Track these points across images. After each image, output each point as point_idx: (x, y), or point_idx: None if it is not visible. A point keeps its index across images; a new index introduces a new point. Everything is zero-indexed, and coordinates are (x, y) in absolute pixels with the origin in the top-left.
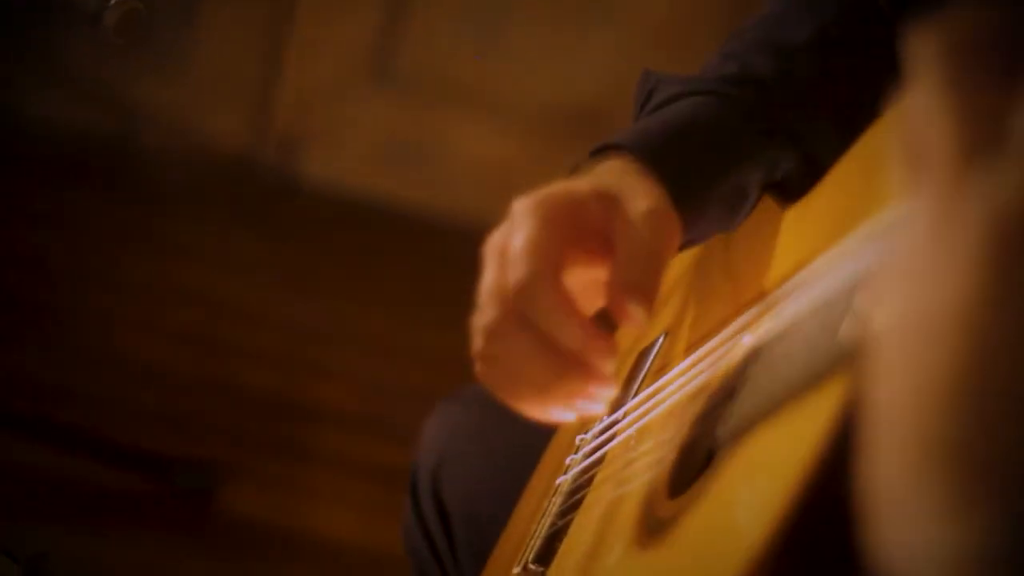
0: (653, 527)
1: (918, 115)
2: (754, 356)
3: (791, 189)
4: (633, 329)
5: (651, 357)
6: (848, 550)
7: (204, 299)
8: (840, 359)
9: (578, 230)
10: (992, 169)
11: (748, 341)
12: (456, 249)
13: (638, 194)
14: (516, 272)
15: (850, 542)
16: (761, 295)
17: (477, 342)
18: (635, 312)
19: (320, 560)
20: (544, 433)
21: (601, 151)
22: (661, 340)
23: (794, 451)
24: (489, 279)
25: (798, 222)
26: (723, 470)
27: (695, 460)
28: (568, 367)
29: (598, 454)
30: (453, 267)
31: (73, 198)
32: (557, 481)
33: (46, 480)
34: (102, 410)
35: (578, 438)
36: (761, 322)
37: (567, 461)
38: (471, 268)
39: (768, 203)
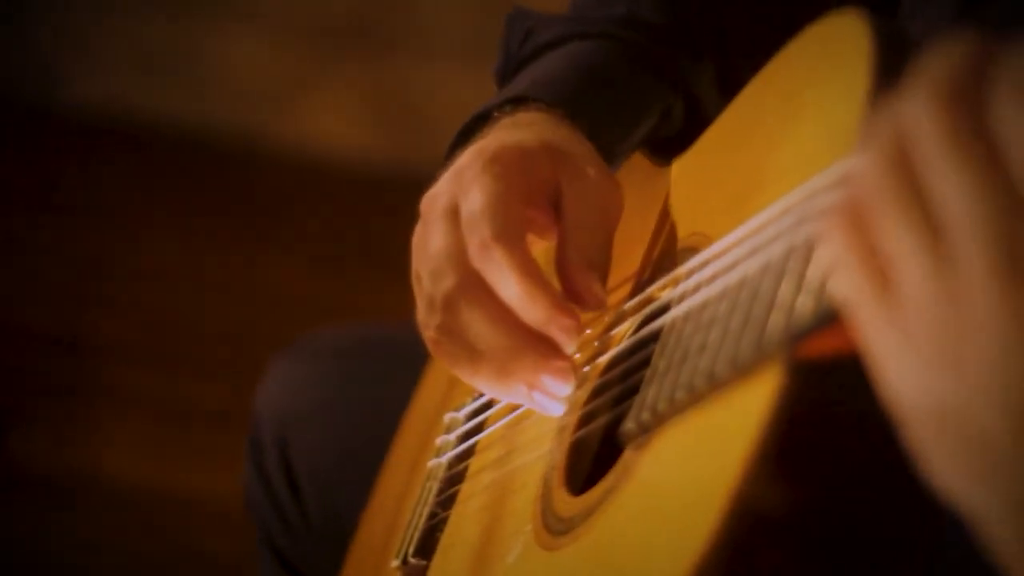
0: (557, 526)
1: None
2: (654, 340)
3: (671, 139)
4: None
5: None
6: (787, 552)
7: None
8: (770, 353)
9: (531, 188)
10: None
11: (644, 318)
12: (227, 166)
13: (585, 157)
14: (477, 235)
15: (787, 544)
16: (650, 266)
17: (431, 314)
18: (597, 293)
19: (118, 506)
20: (401, 392)
21: (513, 102)
22: None
23: (727, 446)
24: (440, 243)
25: (684, 184)
26: (640, 465)
27: (590, 453)
28: (528, 343)
29: (472, 440)
30: (225, 184)
31: None
32: (430, 464)
33: None
34: None
35: (447, 416)
36: (657, 300)
37: (438, 442)
38: (240, 184)
39: (638, 158)
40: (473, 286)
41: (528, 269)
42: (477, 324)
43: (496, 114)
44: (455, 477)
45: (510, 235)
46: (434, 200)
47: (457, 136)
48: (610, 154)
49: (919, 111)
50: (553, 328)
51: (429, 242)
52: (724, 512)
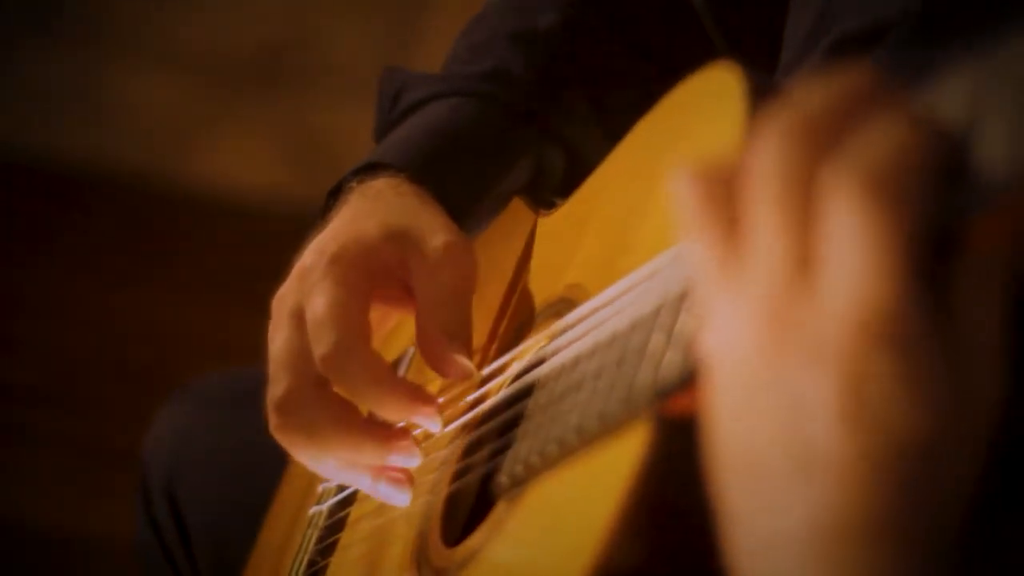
0: None
1: (751, 182)
2: (528, 393)
3: (555, 186)
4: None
5: (400, 374)
6: None
7: None
8: (639, 409)
9: (375, 281)
10: (815, 298)
11: (518, 372)
12: (131, 204)
13: (429, 228)
14: (323, 343)
15: None
16: (524, 316)
17: (274, 417)
18: (463, 363)
19: (35, 549)
20: None
21: (366, 169)
22: (411, 354)
23: (594, 501)
24: (279, 345)
25: (559, 234)
26: (512, 518)
27: (467, 505)
28: (367, 435)
29: (353, 488)
30: (130, 223)
31: None
32: (311, 511)
33: None
34: None
35: None
36: (533, 352)
37: (320, 489)
38: (144, 223)
39: (516, 204)
40: (311, 389)
41: (376, 375)
42: (322, 424)
43: (348, 186)
44: (335, 525)
45: (354, 343)
46: (281, 302)
47: (320, 215)
48: (466, 211)
49: (769, 144)
50: (414, 418)
51: (272, 343)
52: (589, 570)
